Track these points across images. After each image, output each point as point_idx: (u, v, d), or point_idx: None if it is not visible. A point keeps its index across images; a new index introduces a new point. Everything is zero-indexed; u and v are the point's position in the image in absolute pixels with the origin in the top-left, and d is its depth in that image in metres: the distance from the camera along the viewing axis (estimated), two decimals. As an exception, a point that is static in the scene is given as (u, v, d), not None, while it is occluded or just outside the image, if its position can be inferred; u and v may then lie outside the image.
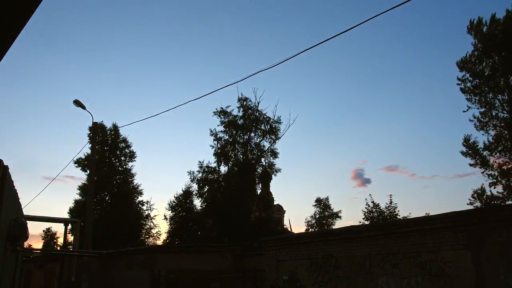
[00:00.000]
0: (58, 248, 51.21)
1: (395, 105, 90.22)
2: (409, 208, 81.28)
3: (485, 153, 28.19)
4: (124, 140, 36.13)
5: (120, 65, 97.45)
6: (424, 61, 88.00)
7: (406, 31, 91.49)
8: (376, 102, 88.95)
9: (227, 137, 31.62)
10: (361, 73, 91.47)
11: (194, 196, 32.55)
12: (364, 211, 27.71)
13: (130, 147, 36.33)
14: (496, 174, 27.76)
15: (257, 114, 31.49)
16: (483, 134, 28.95)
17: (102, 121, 35.15)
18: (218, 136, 31.62)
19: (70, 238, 27.37)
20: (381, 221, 24.90)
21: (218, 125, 31.92)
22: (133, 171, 36.17)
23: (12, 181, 9.41)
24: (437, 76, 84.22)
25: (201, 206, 31.88)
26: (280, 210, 46.98)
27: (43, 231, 60.69)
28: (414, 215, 33.21)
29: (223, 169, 31.74)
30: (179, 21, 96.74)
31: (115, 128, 35.62)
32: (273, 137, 31.57)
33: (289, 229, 40.92)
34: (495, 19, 27.51)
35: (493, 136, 27.97)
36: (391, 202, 27.10)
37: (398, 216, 26.30)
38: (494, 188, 27.81)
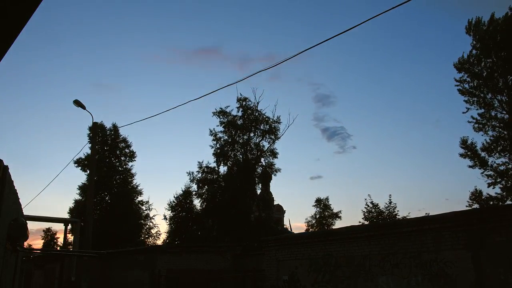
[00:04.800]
0: (58, 248, 51.18)
1: (395, 104, 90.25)
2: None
3: (484, 154, 28.23)
4: (124, 140, 36.14)
5: (120, 65, 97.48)
6: (423, 61, 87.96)
7: (405, 31, 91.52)
8: (375, 101, 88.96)
9: (226, 137, 31.62)
10: (360, 73, 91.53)
11: (193, 196, 32.56)
12: (364, 211, 27.76)
13: (130, 147, 36.38)
14: (495, 174, 27.79)
15: (257, 114, 31.49)
16: (482, 135, 28.98)
17: (102, 121, 35.20)
18: (218, 136, 31.63)
19: (70, 238, 27.36)
20: (381, 221, 24.94)
21: (217, 125, 31.94)
22: (133, 171, 36.23)
23: (12, 181, 9.42)
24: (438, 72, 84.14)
25: (201, 206, 31.89)
26: (280, 210, 46.99)
27: (43, 231, 60.68)
28: (414, 215, 33.27)
29: (223, 169, 31.78)
30: (178, 20, 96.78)
31: (115, 128, 35.64)
32: (272, 137, 31.58)
33: (289, 229, 40.97)
34: (494, 19, 27.40)
35: (490, 137, 28.03)
36: (390, 202, 27.18)
37: (397, 216, 26.36)
38: (493, 188, 27.89)
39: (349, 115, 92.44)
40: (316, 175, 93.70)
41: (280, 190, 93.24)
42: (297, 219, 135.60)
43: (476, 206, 27.63)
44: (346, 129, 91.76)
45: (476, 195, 28.39)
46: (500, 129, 27.86)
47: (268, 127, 31.55)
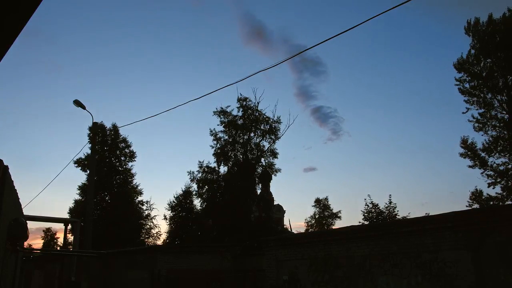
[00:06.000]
0: (58, 248, 51.20)
1: (395, 104, 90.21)
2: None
3: (484, 154, 28.29)
4: (124, 140, 36.14)
5: (120, 64, 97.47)
6: (422, 61, 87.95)
7: (404, 30, 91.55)
8: (375, 100, 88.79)
9: (226, 137, 31.66)
10: (360, 72, 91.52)
11: (194, 196, 32.60)
12: (363, 211, 27.74)
13: (130, 147, 36.37)
14: (495, 174, 27.83)
15: (257, 114, 31.52)
16: (482, 135, 29.07)
17: (102, 121, 35.19)
18: (218, 136, 31.66)
19: (70, 238, 27.37)
20: (381, 221, 24.94)
21: (218, 125, 31.96)
22: (133, 171, 36.23)
23: (12, 181, 9.43)
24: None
25: (201, 206, 31.92)
26: (280, 210, 46.98)
27: (43, 231, 60.75)
28: (417, 209, 33.20)
29: (223, 169, 31.80)
30: (178, 20, 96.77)
31: (115, 128, 35.63)
32: (272, 137, 31.62)
33: (289, 229, 40.98)
34: (492, 19, 27.57)
35: (490, 137, 28.08)
36: (390, 202, 27.16)
37: (397, 216, 26.34)
38: (493, 188, 27.92)
39: (341, 94, 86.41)
40: (309, 166, 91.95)
41: (278, 188, 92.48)
42: (297, 219, 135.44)
43: (476, 206, 27.68)
44: (339, 112, 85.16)
45: (476, 195, 28.44)
46: (500, 129, 27.93)
47: (268, 127, 31.61)
